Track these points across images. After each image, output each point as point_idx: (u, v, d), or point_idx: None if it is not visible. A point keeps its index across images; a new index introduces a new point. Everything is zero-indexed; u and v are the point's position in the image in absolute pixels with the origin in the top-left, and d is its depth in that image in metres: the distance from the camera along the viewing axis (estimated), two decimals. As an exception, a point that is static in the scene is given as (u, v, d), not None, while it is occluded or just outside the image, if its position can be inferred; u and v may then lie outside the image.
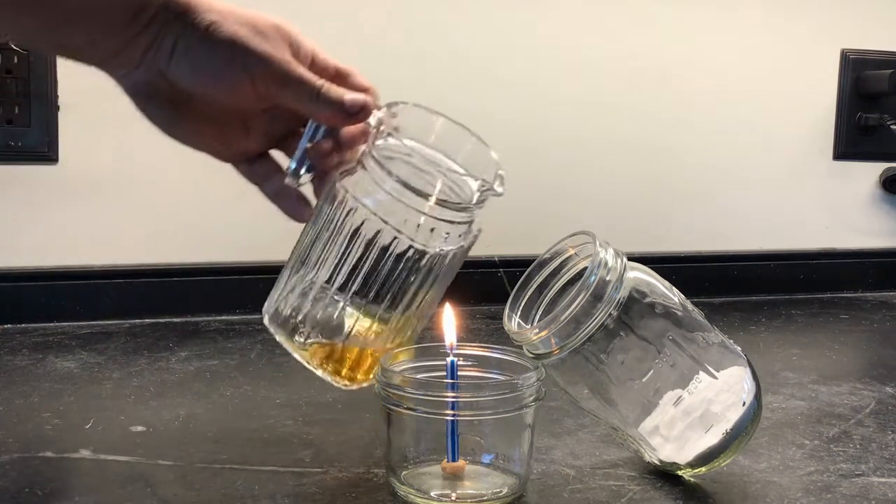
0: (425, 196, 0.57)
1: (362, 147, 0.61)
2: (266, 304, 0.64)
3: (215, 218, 1.08)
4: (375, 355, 0.61)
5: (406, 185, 0.56)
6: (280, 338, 0.62)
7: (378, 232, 0.57)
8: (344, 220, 0.58)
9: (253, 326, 1.02)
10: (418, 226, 0.57)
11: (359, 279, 0.58)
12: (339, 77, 0.61)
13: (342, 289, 0.59)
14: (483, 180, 0.58)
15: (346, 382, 0.62)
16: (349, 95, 0.58)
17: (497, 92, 1.14)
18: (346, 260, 0.58)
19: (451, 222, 0.58)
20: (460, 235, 0.59)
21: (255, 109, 0.60)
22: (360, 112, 0.58)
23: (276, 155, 0.66)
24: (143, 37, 0.55)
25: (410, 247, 0.57)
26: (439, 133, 0.60)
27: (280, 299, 0.62)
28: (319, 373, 0.62)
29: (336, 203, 0.59)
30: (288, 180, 0.62)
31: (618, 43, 1.19)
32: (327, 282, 0.59)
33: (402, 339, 0.62)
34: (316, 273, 0.60)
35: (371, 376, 0.62)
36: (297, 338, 0.61)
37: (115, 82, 0.59)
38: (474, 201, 0.58)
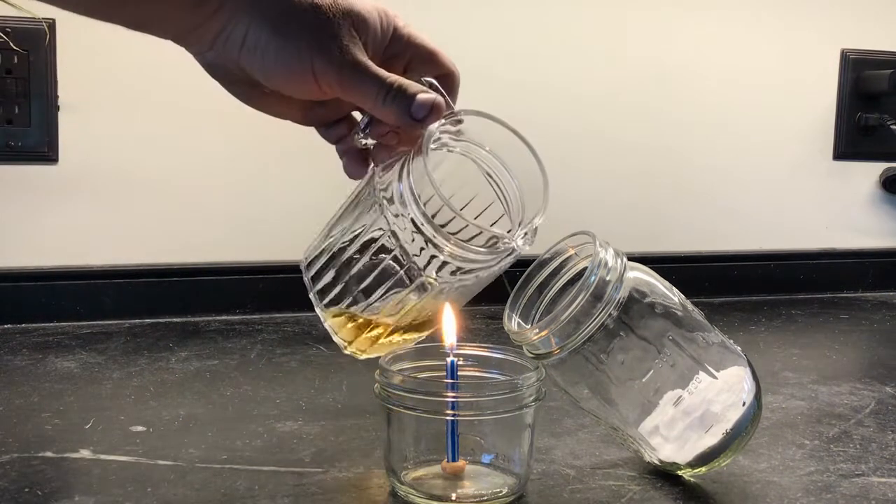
0: (445, 237, 0.54)
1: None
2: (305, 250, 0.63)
3: (215, 218, 1.08)
4: (383, 333, 0.60)
5: (429, 220, 0.54)
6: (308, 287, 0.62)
7: (383, 243, 0.56)
8: (362, 212, 0.57)
9: (253, 326, 1.02)
10: (430, 260, 0.55)
11: (353, 271, 0.57)
12: (425, 57, 0.59)
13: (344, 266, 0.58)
14: (505, 237, 0.55)
15: (352, 351, 0.62)
16: (418, 100, 0.55)
17: (497, 92, 1.13)
18: (349, 248, 0.57)
19: (466, 260, 0.55)
20: (482, 268, 0.57)
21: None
22: (425, 119, 0.55)
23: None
24: (214, 22, 0.54)
25: (412, 270, 0.55)
26: (497, 150, 0.58)
27: (311, 250, 0.61)
28: (333, 336, 0.62)
29: (365, 192, 0.57)
30: (354, 140, 0.59)
31: (617, 43, 1.19)
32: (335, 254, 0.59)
33: (411, 327, 0.61)
34: (331, 241, 0.59)
35: (376, 350, 0.61)
36: (313, 294, 0.61)
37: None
38: (493, 250, 0.56)
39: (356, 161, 0.61)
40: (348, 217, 0.59)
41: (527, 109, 1.16)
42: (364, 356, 0.62)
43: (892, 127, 1.27)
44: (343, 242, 0.58)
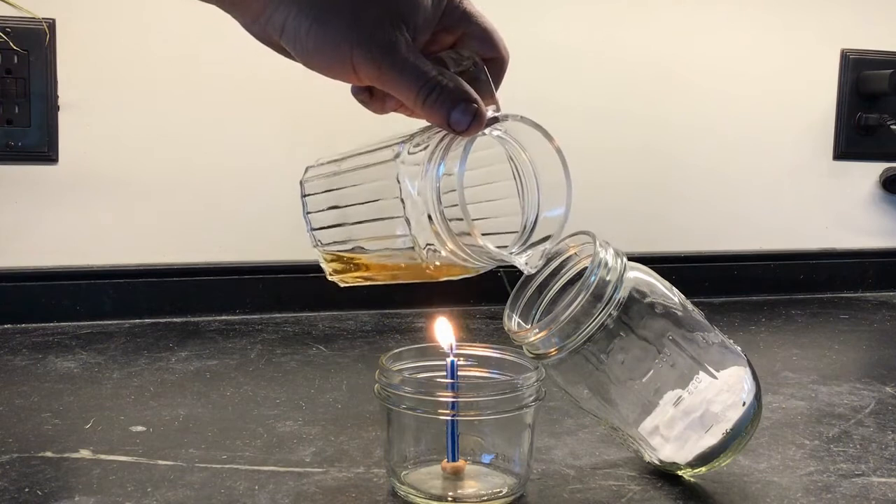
0: (453, 241, 0.52)
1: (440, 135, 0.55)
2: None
3: (215, 218, 1.08)
4: (367, 276, 0.60)
5: (443, 221, 0.52)
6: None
7: (394, 214, 0.54)
8: (380, 179, 0.55)
9: (253, 326, 1.02)
10: (434, 252, 0.54)
11: (359, 228, 0.57)
12: (477, 35, 0.55)
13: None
14: (508, 258, 0.55)
15: (336, 279, 0.62)
16: (459, 110, 0.51)
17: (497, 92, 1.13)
18: (360, 208, 0.56)
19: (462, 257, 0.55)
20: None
21: None
22: (465, 131, 0.52)
23: None
24: (255, 2, 0.54)
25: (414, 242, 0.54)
26: (531, 159, 0.57)
27: (315, 181, 0.61)
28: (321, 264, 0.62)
29: (389, 156, 0.55)
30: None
31: (617, 43, 1.19)
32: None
33: (392, 278, 0.60)
34: (340, 186, 0.58)
35: (358, 283, 0.61)
36: (310, 231, 0.61)
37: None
38: (491, 258, 0.55)
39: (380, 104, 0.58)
40: (364, 172, 0.57)
41: (526, 111, 1.16)
42: (345, 286, 0.62)
43: (892, 127, 1.27)
44: (355, 199, 0.57)
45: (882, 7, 1.29)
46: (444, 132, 0.53)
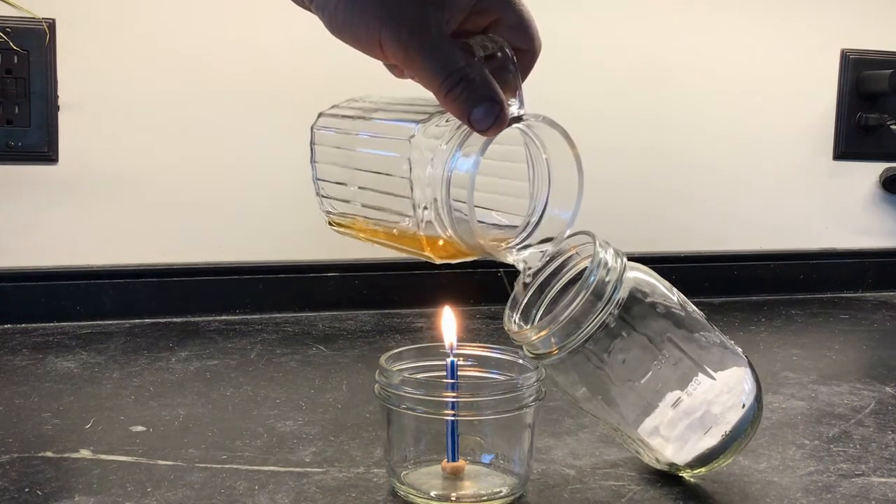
0: (454, 230, 0.52)
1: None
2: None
3: (215, 218, 1.08)
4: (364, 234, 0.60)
5: (449, 212, 0.51)
6: None
7: (400, 193, 0.53)
8: (393, 151, 0.54)
9: (253, 326, 1.02)
10: (434, 236, 0.54)
11: (364, 195, 0.56)
12: (512, 24, 0.53)
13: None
14: (507, 258, 0.55)
15: (334, 229, 0.62)
16: (481, 109, 0.49)
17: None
18: (368, 182, 0.56)
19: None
20: None
21: None
22: (485, 131, 0.50)
23: None
24: None
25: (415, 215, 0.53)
26: (548, 158, 0.56)
27: (324, 126, 0.60)
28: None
29: (399, 138, 0.54)
30: None
31: (617, 43, 1.19)
32: None
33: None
34: (352, 147, 0.58)
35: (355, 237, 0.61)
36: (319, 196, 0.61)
37: None
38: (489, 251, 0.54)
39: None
40: (378, 141, 0.56)
41: (527, 109, 1.16)
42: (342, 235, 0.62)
43: (892, 127, 1.27)
44: (364, 166, 0.56)
45: (882, 7, 1.29)
46: (452, 136, 0.52)
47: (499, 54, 0.52)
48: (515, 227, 0.58)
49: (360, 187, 0.57)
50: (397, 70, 0.55)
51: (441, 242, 0.54)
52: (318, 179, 0.60)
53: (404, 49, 0.50)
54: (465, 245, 0.53)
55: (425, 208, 0.52)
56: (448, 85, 0.49)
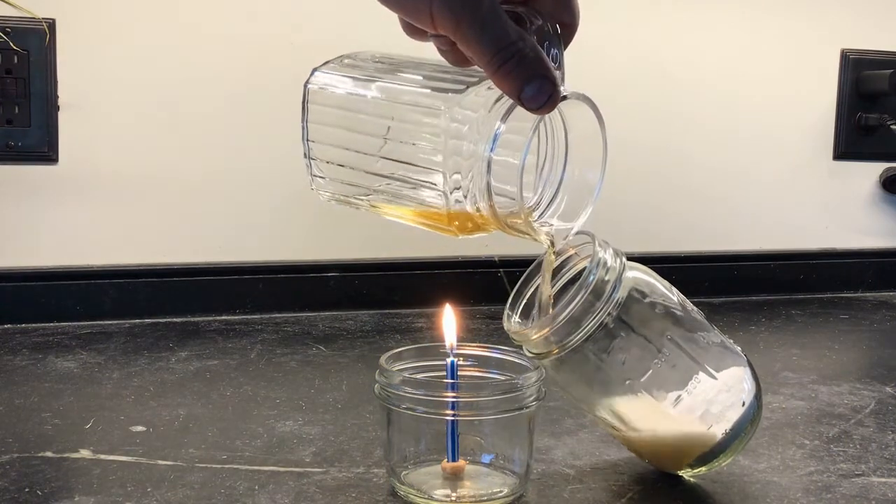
0: (489, 193, 0.50)
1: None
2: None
3: (215, 218, 1.08)
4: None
5: (488, 164, 0.49)
6: None
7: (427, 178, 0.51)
8: (420, 126, 0.52)
9: (253, 326, 1.02)
10: (455, 199, 0.51)
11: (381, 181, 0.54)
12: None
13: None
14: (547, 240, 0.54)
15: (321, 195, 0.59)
16: (533, 86, 0.47)
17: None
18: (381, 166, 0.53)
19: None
20: None
21: None
22: (538, 109, 0.48)
23: None
24: None
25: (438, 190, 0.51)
26: (570, 139, 0.55)
27: (325, 84, 0.57)
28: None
29: (431, 108, 0.52)
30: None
31: (616, 43, 1.19)
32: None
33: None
34: (366, 103, 0.55)
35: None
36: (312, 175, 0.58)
37: None
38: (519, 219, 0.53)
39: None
40: (402, 109, 0.53)
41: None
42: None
43: (892, 127, 1.27)
44: (380, 132, 0.53)
45: (882, 7, 1.29)
46: (495, 106, 0.50)
47: (546, 28, 0.50)
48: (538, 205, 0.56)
49: (369, 153, 0.54)
50: (453, 52, 0.52)
51: (469, 223, 0.52)
52: (310, 140, 0.57)
53: (456, 21, 0.47)
54: (497, 224, 0.51)
55: (457, 188, 0.50)
56: (500, 60, 0.47)
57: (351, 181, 0.56)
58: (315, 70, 0.58)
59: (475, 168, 0.50)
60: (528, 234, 0.54)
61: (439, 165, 0.51)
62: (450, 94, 0.51)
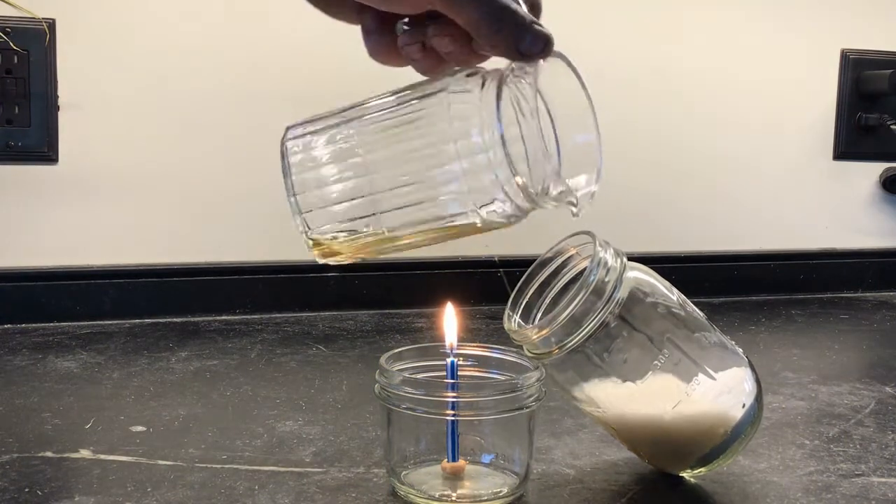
0: (513, 172, 0.49)
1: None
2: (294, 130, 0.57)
3: (215, 218, 1.08)
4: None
5: (504, 147, 0.48)
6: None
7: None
8: (416, 111, 0.51)
9: (253, 326, 1.02)
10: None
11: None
12: None
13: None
14: (573, 197, 0.52)
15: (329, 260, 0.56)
16: (532, 33, 0.48)
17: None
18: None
19: (510, 202, 0.51)
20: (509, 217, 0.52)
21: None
22: (536, 56, 0.49)
23: None
24: None
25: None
26: (571, 104, 0.54)
27: (305, 135, 0.56)
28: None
29: (435, 103, 0.51)
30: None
31: (615, 43, 1.19)
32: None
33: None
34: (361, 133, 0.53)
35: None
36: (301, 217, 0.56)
37: None
38: (546, 200, 0.52)
39: (388, 49, 0.53)
40: (400, 127, 0.52)
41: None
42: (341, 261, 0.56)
43: (892, 127, 1.27)
44: (393, 161, 0.52)
45: (882, 7, 1.29)
46: (482, 76, 0.50)
47: None
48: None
49: (380, 188, 0.52)
50: (425, 57, 0.52)
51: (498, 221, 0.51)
52: (297, 194, 0.56)
53: None
54: (529, 205, 0.51)
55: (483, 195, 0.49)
56: (497, 24, 0.48)
57: (357, 215, 0.54)
58: (288, 127, 0.57)
59: (495, 158, 0.49)
60: (555, 203, 0.52)
61: (456, 169, 0.50)
62: (438, 94, 0.51)
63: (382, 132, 0.53)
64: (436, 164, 0.50)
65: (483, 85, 0.50)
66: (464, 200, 0.50)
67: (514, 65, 0.50)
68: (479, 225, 0.51)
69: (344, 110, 0.55)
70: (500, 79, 0.50)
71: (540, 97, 0.53)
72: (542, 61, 0.50)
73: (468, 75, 0.51)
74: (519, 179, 0.49)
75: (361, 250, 0.55)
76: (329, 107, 0.56)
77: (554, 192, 0.51)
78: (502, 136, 0.49)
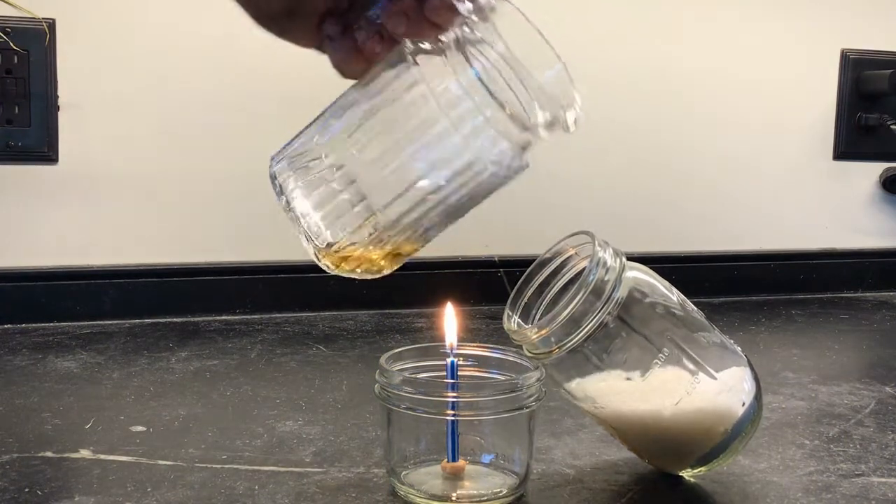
0: (500, 104, 0.49)
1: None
2: (276, 153, 0.57)
3: (215, 218, 1.08)
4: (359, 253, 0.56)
5: (484, 85, 0.48)
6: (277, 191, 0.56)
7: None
8: (401, 95, 0.51)
9: (253, 326, 1.02)
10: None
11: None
12: None
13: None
14: (559, 111, 0.52)
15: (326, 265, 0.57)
16: None
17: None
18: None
19: (507, 141, 0.50)
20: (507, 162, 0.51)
21: None
22: None
23: None
24: None
25: None
26: (528, 46, 0.53)
27: (287, 154, 0.57)
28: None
29: (399, 75, 0.51)
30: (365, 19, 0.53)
31: (615, 43, 1.19)
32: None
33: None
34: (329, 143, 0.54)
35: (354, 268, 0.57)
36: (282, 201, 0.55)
37: None
38: (541, 126, 0.51)
39: (347, 53, 0.54)
40: (355, 113, 0.52)
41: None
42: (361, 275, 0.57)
43: (892, 127, 1.27)
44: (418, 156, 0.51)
45: (882, 7, 1.29)
46: (436, 42, 0.50)
47: None
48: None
49: (375, 187, 0.52)
50: (342, 43, 0.53)
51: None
52: (303, 214, 0.55)
53: None
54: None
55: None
56: None
57: (361, 216, 0.54)
58: (272, 157, 0.57)
59: (481, 99, 0.48)
60: (548, 131, 0.52)
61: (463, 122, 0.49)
62: (401, 65, 0.51)
63: (360, 130, 0.53)
64: (425, 130, 0.50)
65: (441, 44, 0.50)
66: (461, 152, 0.49)
67: (465, 21, 0.50)
68: (485, 175, 0.49)
69: (312, 123, 0.56)
70: (457, 36, 0.50)
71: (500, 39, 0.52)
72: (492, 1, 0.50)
73: (422, 47, 0.50)
74: (508, 109, 0.49)
75: (387, 250, 0.56)
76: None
77: (542, 120, 0.51)
78: (479, 76, 0.48)
